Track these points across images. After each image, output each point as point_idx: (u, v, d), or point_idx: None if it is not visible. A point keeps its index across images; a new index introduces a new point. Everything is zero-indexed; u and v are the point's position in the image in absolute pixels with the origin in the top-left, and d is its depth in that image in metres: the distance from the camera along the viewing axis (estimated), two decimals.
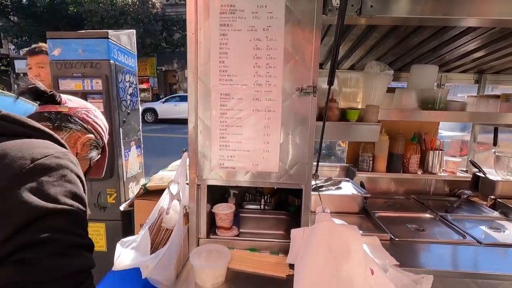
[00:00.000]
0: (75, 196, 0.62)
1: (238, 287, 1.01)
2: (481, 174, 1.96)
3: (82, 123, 0.86)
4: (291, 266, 1.08)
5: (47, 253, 0.55)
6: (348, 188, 1.82)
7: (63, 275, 0.56)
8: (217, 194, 1.37)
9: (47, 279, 0.54)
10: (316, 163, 1.15)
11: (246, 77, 1.07)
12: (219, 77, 1.08)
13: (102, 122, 0.93)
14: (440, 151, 1.94)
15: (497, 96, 1.68)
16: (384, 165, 1.95)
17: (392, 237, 1.38)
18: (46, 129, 0.69)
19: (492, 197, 1.84)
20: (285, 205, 1.56)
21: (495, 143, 2.03)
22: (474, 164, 2.02)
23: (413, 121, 1.92)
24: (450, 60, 1.74)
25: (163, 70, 17.81)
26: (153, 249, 1.15)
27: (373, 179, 2.03)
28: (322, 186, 1.78)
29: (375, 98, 1.54)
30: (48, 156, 0.61)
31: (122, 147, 2.12)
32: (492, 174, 1.96)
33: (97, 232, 2.08)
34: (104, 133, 0.94)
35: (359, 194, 1.71)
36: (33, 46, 1.95)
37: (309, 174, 1.12)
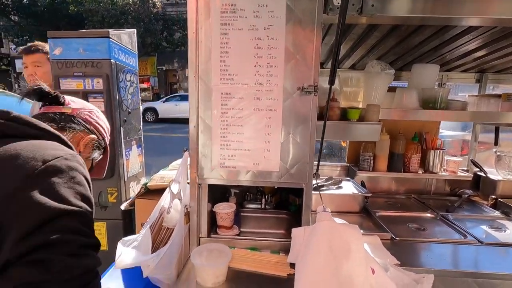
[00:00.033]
0: (83, 197, 0.64)
1: (239, 286, 1.01)
2: (482, 174, 1.96)
3: (85, 124, 0.87)
4: (292, 265, 1.08)
5: (60, 253, 0.56)
6: (349, 187, 1.82)
7: (74, 275, 0.57)
8: (218, 193, 1.37)
9: (60, 279, 0.55)
10: (317, 162, 1.15)
11: (247, 76, 1.07)
12: (220, 76, 1.08)
13: (104, 123, 0.95)
14: (441, 151, 1.94)
15: (498, 96, 1.68)
16: (385, 165, 1.95)
17: (393, 236, 1.37)
18: (55, 131, 0.71)
19: (493, 196, 1.84)
20: (285, 204, 1.56)
21: (496, 143, 2.02)
22: (475, 163, 2.01)
23: (414, 121, 1.90)
24: (451, 60, 1.73)
25: (164, 69, 17.82)
26: (154, 248, 1.15)
27: (374, 179, 2.03)
28: (323, 186, 1.78)
29: (376, 97, 1.54)
30: (58, 158, 0.62)
31: (123, 146, 2.12)
32: (493, 174, 1.95)
33: (98, 231, 2.08)
34: (106, 133, 0.95)
35: (360, 193, 1.71)
36: (29, 44, 1.89)
37: (310, 173, 1.12)
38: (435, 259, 1.22)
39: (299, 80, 1.06)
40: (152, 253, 1.07)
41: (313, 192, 1.16)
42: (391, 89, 1.64)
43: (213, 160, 1.14)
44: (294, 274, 0.95)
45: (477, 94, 2.02)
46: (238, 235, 1.27)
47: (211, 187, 1.19)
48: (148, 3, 13.91)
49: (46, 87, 0.83)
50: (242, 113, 1.09)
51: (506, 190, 1.85)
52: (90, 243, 0.63)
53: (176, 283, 1.03)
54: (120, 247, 1.10)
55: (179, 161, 1.91)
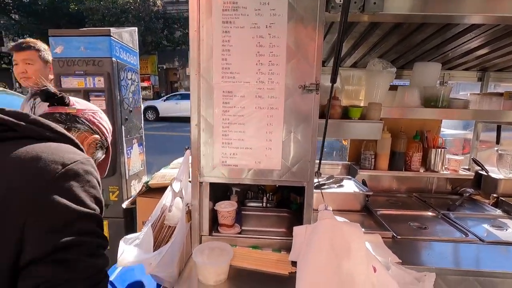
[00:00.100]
0: (96, 200, 0.67)
1: (241, 284, 1.01)
2: (483, 172, 1.96)
3: (89, 124, 0.89)
4: (294, 263, 1.08)
5: (80, 254, 0.60)
6: (350, 186, 1.82)
7: (89, 274, 0.61)
8: (219, 191, 1.37)
9: (78, 278, 0.59)
10: (318, 161, 1.15)
11: (249, 74, 1.07)
12: (222, 75, 1.08)
13: (106, 124, 0.97)
14: (443, 149, 1.94)
15: (501, 94, 1.67)
16: (386, 163, 1.94)
17: (394, 235, 1.38)
18: (69, 135, 0.74)
19: (495, 195, 1.84)
20: (287, 202, 1.56)
21: (498, 141, 2.02)
22: (476, 162, 2.01)
23: (415, 119, 1.91)
24: (453, 58, 1.73)
25: (164, 68, 17.82)
26: (156, 247, 1.15)
27: (375, 177, 2.03)
28: (324, 184, 1.78)
29: (377, 95, 1.54)
30: (76, 162, 0.66)
31: (124, 145, 2.13)
32: (495, 172, 1.95)
33: None
34: (108, 134, 0.98)
35: (361, 192, 1.71)
36: (20, 41, 1.83)
37: (312, 171, 1.12)
38: (437, 258, 1.22)
39: (300, 78, 1.06)
40: (154, 251, 1.07)
41: (314, 190, 1.16)
42: (393, 88, 1.63)
43: (214, 158, 1.14)
44: (295, 272, 0.95)
45: (479, 92, 2.01)
46: (240, 233, 1.27)
47: (213, 186, 1.19)
48: (148, 1, 13.90)
49: (52, 87, 0.85)
50: (243, 112, 1.09)
51: (507, 188, 1.85)
52: (103, 244, 0.67)
53: (178, 281, 1.03)
54: (122, 245, 1.10)
55: (180, 160, 1.91)
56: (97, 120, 0.93)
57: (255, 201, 1.57)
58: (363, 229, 0.98)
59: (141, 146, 2.45)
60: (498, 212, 1.74)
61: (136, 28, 2.43)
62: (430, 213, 1.70)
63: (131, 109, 2.24)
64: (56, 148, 0.66)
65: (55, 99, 0.86)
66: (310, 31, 1.03)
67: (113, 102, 2.00)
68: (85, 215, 0.63)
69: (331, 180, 1.83)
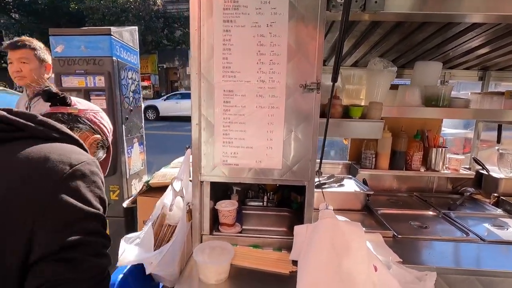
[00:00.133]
0: (101, 200, 0.69)
1: (242, 283, 1.01)
2: (484, 172, 1.96)
3: (91, 124, 0.90)
4: (294, 262, 1.08)
5: (85, 253, 0.61)
6: (350, 185, 1.82)
7: (93, 274, 0.62)
8: (220, 191, 1.37)
9: (83, 277, 0.60)
10: (319, 160, 1.14)
11: (250, 73, 1.07)
12: (223, 74, 1.07)
13: (107, 124, 0.98)
14: (443, 149, 1.94)
15: (501, 93, 1.67)
16: (387, 163, 1.94)
17: (395, 234, 1.38)
18: (75, 136, 0.76)
19: (495, 194, 1.84)
20: (287, 202, 1.56)
21: (498, 141, 2.02)
22: (477, 161, 2.01)
23: (416, 118, 1.91)
24: (454, 57, 1.72)
25: (164, 67, 17.80)
26: (156, 246, 1.15)
27: (375, 177, 2.03)
28: (324, 183, 1.78)
29: (378, 95, 1.53)
30: (82, 162, 0.67)
31: (125, 144, 2.13)
32: (495, 172, 1.95)
33: None
34: (109, 133, 0.98)
35: (361, 191, 1.71)
36: (15, 39, 1.77)
37: (313, 171, 1.12)
38: (437, 257, 1.22)
39: (301, 77, 1.06)
40: (154, 250, 1.07)
41: (315, 189, 1.16)
42: (394, 87, 1.63)
43: (215, 157, 1.14)
44: (296, 271, 0.95)
45: (479, 91, 2.01)
46: (240, 232, 1.27)
47: (213, 185, 1.19)
48: (148, 0, 13.89)
49: (54, 88, 0.86)
50: (244, 111, 1.09)
51: (508, 188, 1.85)
52: (107, 244, 0.68)
53: (179, 280, 1.03)
54: (123, 244, 1.10)
55: (181, 159, 1.91)
56: (98, 120, 0.93)
57: (256, 200, 1.57)
58: (363, 229, 0.97)
59: (142, 145, 2.45)
60: (499, 211, 1.74)
61: (137, 27, 2.42)
62: (430, 213, 1.70)
63: (131, 108, 2.24)
64: (62, 149, 0.68)
65: (57, 99, 0.87)
66: (311, 30, 1.03)
67: (114, 101, 2.00)
68: (91, 215, 0.64)
69: (332, 180, 1.83)
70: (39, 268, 0.57)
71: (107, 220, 0.71)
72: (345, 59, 1.86)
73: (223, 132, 1.11)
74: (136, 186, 2.32)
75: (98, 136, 0.91)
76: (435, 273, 1.02)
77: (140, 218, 1.87)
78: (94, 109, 0.95)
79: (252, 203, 1.56)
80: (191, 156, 1.17)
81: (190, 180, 1.19)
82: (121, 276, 1.00)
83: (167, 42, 15.66)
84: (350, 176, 1.97)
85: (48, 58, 1.83)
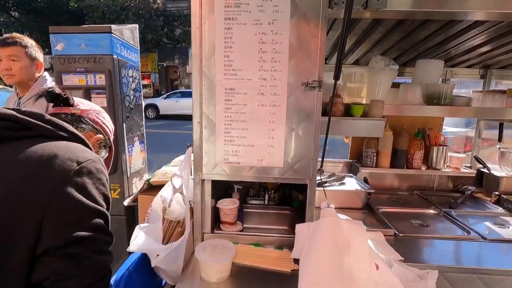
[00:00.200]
0: (105, 197, 0.71)
1: (243, 282, 1.01)
2: (485, 170, 1.95)
3: (93, 124, 0.92)
4: (296, 261, 1.08)
5: (89, 250, 0.63)
6: (351, 183, 1.82)
7: (96, 270, 0.64)
8: (221, 189, 1.37)
9: (86, 273, 0.62)
10: (321, 158, 1.14)
11: (251, 71, 1.06)
12: (224, 72, 1.07)
13: (109, 123, 0.99)
14: (444, 147, 1.93)
15: (503, 91, 1.67)
16: (388, 161, 1.94)
17: (396, 232, 1.37)
18: (81, 135, 0.77)
19: (497, 193, 1.84)
20: (288, 200, 1.56)
21: (500, 139, 2.01)
22: (478, 160, 2.01)
23: (417, 117, 1.90)
24: (455, 55, 1.72)
25: (164, 66, 17.77)
26: (163, 239, 1.16)
27: (376, 175, 2.03)
28: (325, 182, 1.78)
29: (379, 93, 1.53)
30: (88, 160, 0.69)
31: (126, 142, 2.13)
32: (497, 170, 1.95)
33: None
34: (111, 133, 1.00)
35: (362, 189, 1.71)
36: (5, 35, 1.68)
37: (314, 169, 1.12)
38: (439, 255, 1.22)
39: (303, 75, 1.05)
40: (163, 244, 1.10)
41: (316, 188, 1.16)
42: (395, 85, 1.63)
43: (216, 156, 1.13)
44: (298, 269, 0.96)
45: (481, 90, 2.00)
46: (242, 231, 1.27)
47: (215, 183, 1.19)
48: None
49: (57, 89, 0.88)
50: (246, 109, 1.09)
51: (509, 186, 1.85)
52: (109, 241, 0.70)
53: (181, 278, 1.03)
54: (137, 231, 1.13)
55: (181, 157, 1.91)
56: (101, 120, 0.95)
57: (257, 199, 1.57)
58: (365, 227, 0.97)
59: (142, 144, 2.45)
60: (500, 210, 1.74)
61: (137, 25, 2.42)
62: (432, 211, 1.70)
63: (132, 106, 2.24)
64: (69, 147, 0.70)
65: (60, 100, 0.88)
66: (313, 28, 1.02)
67: (114, 100, 2.00)
68: (96, 211, 0.66)
69: (333, 178, 1.83)
70: (46, 261, 0.59)
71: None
72: (346, 57, 1.86)
73: (225, 130, 1.11)
74: (137, 185, 2.32)
75: (101, 136, 0.93)
76: (437, 272, 1.02)
77: (141, 216, 1.87)
78: (96, 109, 0.96)
79: (253, 202, 1.56)
80: (192, 155, 1.16)
81: (192, 178, 1.19)
82: (126, 272, 1.00)
83: (167, 41, 15.63)
84: (351, 175, 1.97)
85: (39, 56, 1.76)
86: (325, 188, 1.54)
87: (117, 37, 2.00)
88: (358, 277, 0.86)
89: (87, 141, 0.79)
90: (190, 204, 1.18)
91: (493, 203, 1.82)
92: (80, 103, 0.93)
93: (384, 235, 1.33)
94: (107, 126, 0.97)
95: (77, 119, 0.88)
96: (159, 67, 17.59)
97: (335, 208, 1.04)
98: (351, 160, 2.16)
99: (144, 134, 2.50)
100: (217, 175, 1.15)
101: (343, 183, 1.81)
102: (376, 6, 0.98)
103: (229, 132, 1.11)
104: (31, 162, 0.63)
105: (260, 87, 1.07)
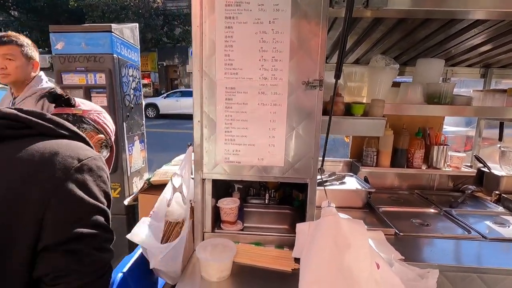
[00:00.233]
0: (106, 195, 0.71)
1: (244, 281, 1.01)
2: (485, 169, 1.95)
3: (94, 124, 0.92)
4: (297, 260, 1.08)
5: (90, 247, 0.63)
6: (352, 183, 1.82)
7: (96, 268, 0.65)
8: (221, 188, 1.37)
9: (86, 270, 0.62)
10: (321, 157, 1.14)
11: (252, 70, 1.06)
12: (225, 71, 1.07)
13: (110, 124, 1.00)
14: (445, 146, 1.93)
15: (504, 91, 1.66)
16: (388, 160, 1.94)
17: (397, 232, 1.38)
18: (82, 133, 0.78)
19: (497, 192, 1.84)
20: (289, 199, 1.56)
21: (500, 138, 2.01)
22: (478, 159, 2.01)
23: (418, 116, 1.90)
24: (456, 54, 1.72)
25: (164, 65, 17.75)
26: (161, 240, 1.16)
27: (377, 174, 2.02)
28: (326, 181, 1.78)
29: (380, 92, 1.53)
30: (89, 158, 0.70)
31: (126, 141, 2.13)
32: (497, 169, 1.95)
33: None
34: (112, 133, 1.01)
35: (363, 189, 1.71)
36: (1, 34, 1.65)
37: (315, 168, 1.12)
38: (439, 254, 1.22)
39: (304, 74, 1.05)
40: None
41: (317, 187, 1.16)
42: (396, 84, 1.63)
43: (217, 155, 1.13)
44: (298, 269, 0.95)
45: (482, 89, 2.00)
46: (242, 230, 1.27)
47: (215, 182, 1.19)
48: None
49: (59, 89, 0.89)
50: (246, 108, 1.09)
51: (509, 185, 1.85)
52: (110, 238, 0.70)
53: (181, 277, 1.03)
54: (141, 223, 1.13)
55: (182, 157, 1.91)
56: (102, 120, 0.96)
57: (258, 198, 1.57)
58: (365, 226, 0.97)
59: (143, 143, 2.45)
60: (500, 209, 1.74)
61: (137, 24, 2.42)
62: (432, 210, 1.70)
63: (132, 105, 2.23)
64: (70, 145, 0.70)
65: (62, 101, 0.89)
66: (314, 27, 1.02)
67: (115, 99, 2.00)
68: (97, 208, 0.66)
69: (333, 177, 1.83)
70: (46, 257, 0.60)
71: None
72: (346, 56, 1.86)
73: (225, 130, 1.11)
74: (137, 184, 2.32)
75: (102, 136, 0.94)
76: (437, 271, 1.02)
77: (141, 216, 1.87)
78: (97, 109, 0.97)
79: (254, 201, 1.56)
80: (192, 154, 1.16)
81: (192, 178, 1.19)
82: (120, 275, 1.00)
83: (167, 40, 15.60)
84: (352, 174, 1.97)
85: (35, 55, 1.73)
86: (325, 187, 1.54)
87: (117, 36, 2.00)
88: (359, 276, 0.86)
89: (88, 139, 0.79)
90: (191, 204, 1.18)
91: (493, 202, 1.83)
92: (82, 103, 0.94)
93: (385, 234, 1.33)
94: (108, 126, 0.98)
95: (79, 119, 0.89)
96: (159, 67, 17.58)
97: (335, 207, 1.04)
98: (351, 159, 2.16)
99: (144, 133, 2.49)
100: (218, 174, 1.15)
101: (344, 182, 1.81)
102: (377, 4, 0.98)
103: (230, 131, 1.11)
104: (32, 160, 0.64)
105: (260, 86, 1.07)
